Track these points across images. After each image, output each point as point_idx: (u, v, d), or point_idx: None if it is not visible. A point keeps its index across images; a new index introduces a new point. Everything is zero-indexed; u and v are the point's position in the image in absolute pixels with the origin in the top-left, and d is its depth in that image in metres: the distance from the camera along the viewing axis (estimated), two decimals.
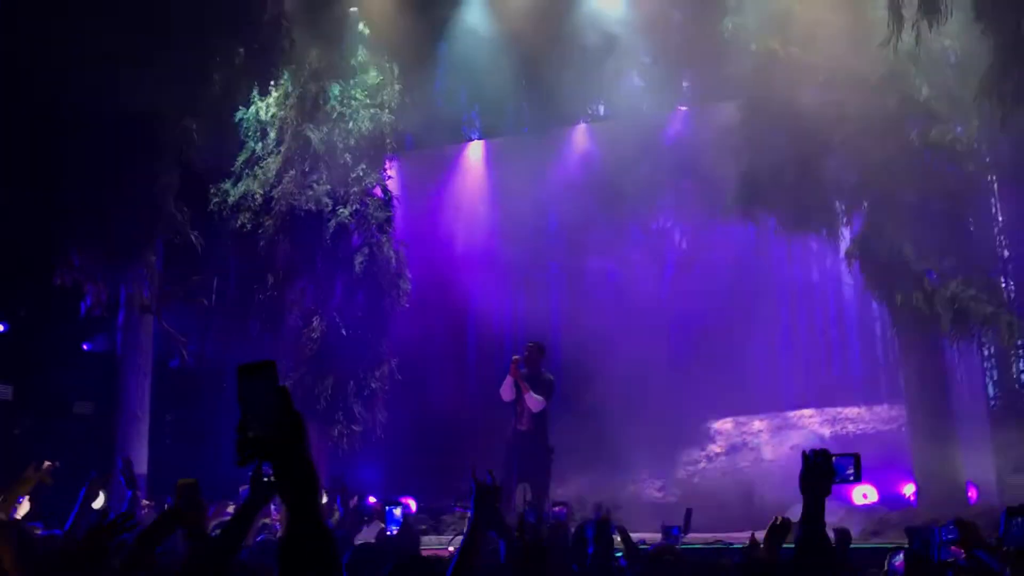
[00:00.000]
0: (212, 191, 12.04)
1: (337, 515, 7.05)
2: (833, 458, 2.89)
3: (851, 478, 3.01)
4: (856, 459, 3.01)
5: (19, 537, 3.95)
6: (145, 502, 7.84)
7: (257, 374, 1.62)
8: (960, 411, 10.58)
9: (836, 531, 5.85)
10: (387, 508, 6.62)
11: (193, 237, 12.02)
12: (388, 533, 6.38)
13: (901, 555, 5.14)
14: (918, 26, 9.00)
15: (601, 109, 14.84)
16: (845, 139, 10.23)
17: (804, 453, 2.89)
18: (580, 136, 14.96)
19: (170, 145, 11.59)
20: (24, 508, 6.00)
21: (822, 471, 2.88)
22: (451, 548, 5.38)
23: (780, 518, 4.09)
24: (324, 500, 7.40)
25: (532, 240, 15.42)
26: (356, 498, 7.91)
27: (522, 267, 15.62)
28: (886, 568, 5.27)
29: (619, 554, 5.28)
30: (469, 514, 3.27)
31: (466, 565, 3.04)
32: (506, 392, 8.77)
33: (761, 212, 10.86)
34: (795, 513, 5.59)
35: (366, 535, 7.10)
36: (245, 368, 1.63)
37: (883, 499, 10.67)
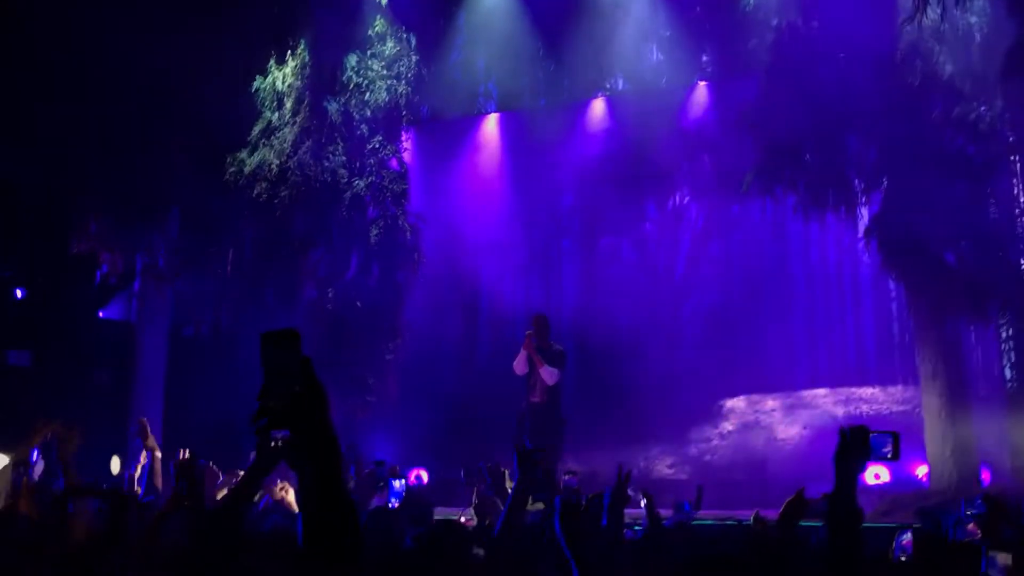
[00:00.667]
0: (228, 160, 12.02)
1: (351, 482, 7.08)
2: (871, 435, 2.77)
3: (888, 456, 2.83)
4: (895, 437, 2.86)
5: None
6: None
7: (281, 343, 1.60)
8: (975, 393, 10.52)
9: None
10: (389, 479, 6.54)
11: (208, 206, 12.05)
12: (389, 505, 6.33)
13: (908, 534, 5.13)
14: (943, 2, 8.85)
15: (619, 83, 14.70)
16: (866, 116, 10.11)
17: (841, 429, 2.77)
18: (597, 110, 14.84)
19: (187, 113, 11.58)
20: (39, 469, 6.04)
21: (858, 448, 2.77)
22: (463, 519, 5.41)
23: (799, 494, 4.05)
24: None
25: (547, 214, 15.38)
26: (373, 464, 7.94)
27: (536, 242, 15.59)
28: (893, 546, 5.26)
29: (637, 527, 5.29)
30: (513, 480, 3.32)
31: (511, 524, 3.08)
32: (520, 366, 8.78)
33: (779, 189, 10.76)
34: (808, 492, 5.58)
35: (379, 501, 7.14)
36: (269, 336, 1.60)
37: (895, 480, 10.64)
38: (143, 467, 6.69)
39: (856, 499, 2.74)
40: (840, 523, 2.69)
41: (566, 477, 7.79)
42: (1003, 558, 2.65)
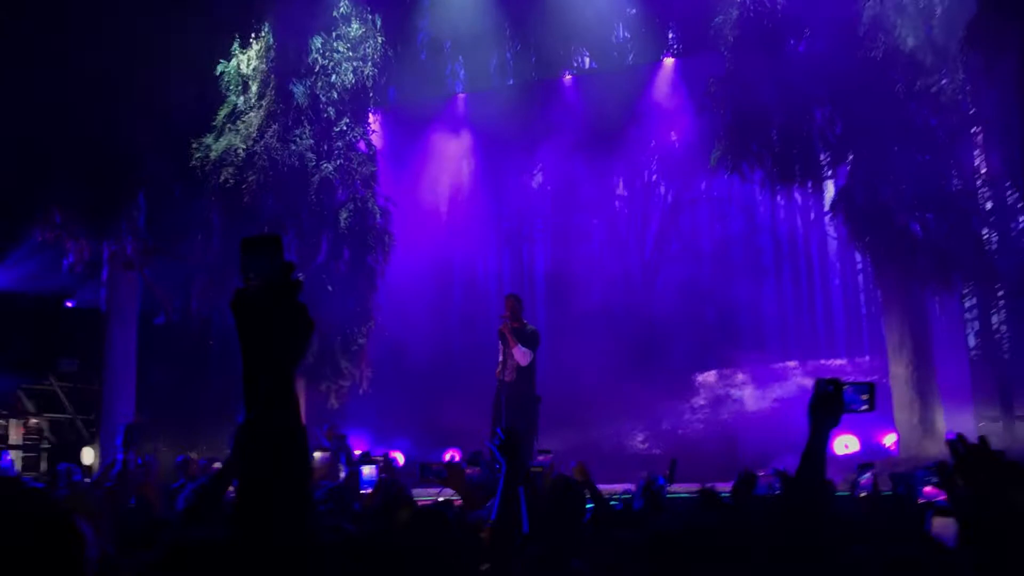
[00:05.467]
0: (194, 146, 11.89)
1: (342, 474, 7.01)
2: (846, 387, 2.76)
3: (864, 408, 2.80)
4: (871, 387, 2.85)
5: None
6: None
7: (262, 248, 1.49)
8: (941, 362, 10.71)
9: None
10: (358, 468, 6.27)
11: (175, 193, 11.92)
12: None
13: (869, 474, 5.30)
14: None
15: (586, 61, 14.70)
16: (831, 90, 10.20)
17: (816, 381, 2.77)
18: (565, 88, 14.84)
19: (151, 99, 11.42)
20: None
21: (833, 401, 2.75)
22: (440, 498, 5.42)
23: (747, 471, 4.41)
24: (326, 458, 7.39)
25: (517, 194, 15.39)
26: (362, 456, 7.89)
27: (507, 222, 15.60)
28: (854, 480, 5.43)
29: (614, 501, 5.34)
30: (501, 468, 3.26)
31: (507, 515, 3.02)
32: (521, 357, 8.57)
33: (747, 164, 10.85)
34: (778, 463, 5.68)
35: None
36: (249, 241, 1.49)
37: (865, 449, 10.82)
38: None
39: (825, 455, 2.74)
40: (808, 475, 2.68)
41: (540, 457, 7.81)
42: (941, 522, 2.68)
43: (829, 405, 2.73)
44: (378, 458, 7.45)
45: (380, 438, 13.02)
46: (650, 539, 1.97)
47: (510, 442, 3.33)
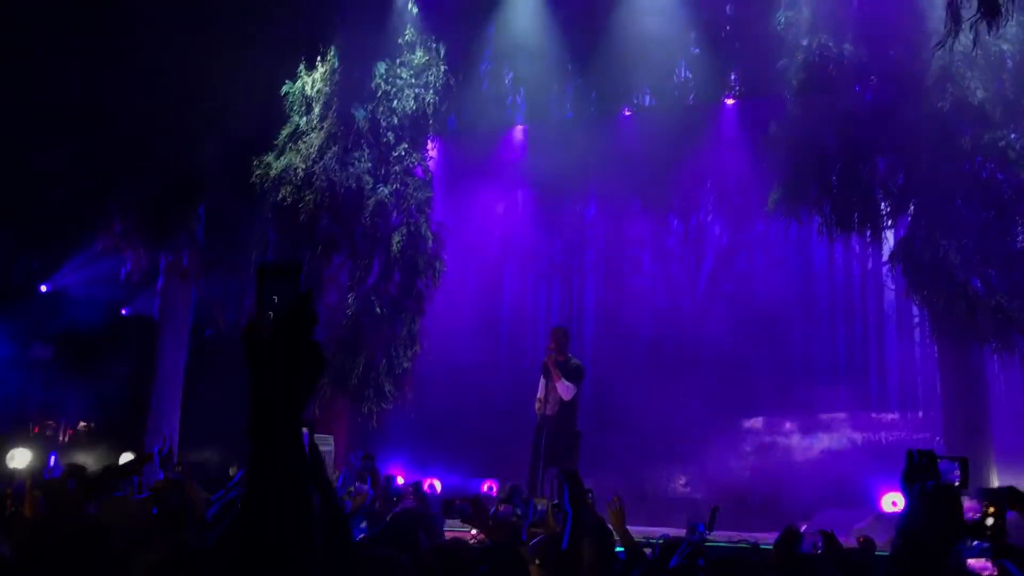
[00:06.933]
0: (255, 163, 12.10)
1: (367, 496, 7.02)
2: (939, 460, 2.72)
3: (956, 483, 2.78)
4: (964, 463, 2.81)
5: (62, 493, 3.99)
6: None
7: (282, 275, 1.47)
8: (997, 422, 10.40)
9: (860, 540, 5.80)
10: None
11: (234, 208, 12.13)
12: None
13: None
14: (976, 27, 8.76)
15: (646, 98, 14.68)
16: (894, 140, 10.05)
17: (909, 452, 2.74)
18: (624, 124, 14.82)
19: (216, 115, 11.67)
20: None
21: (926, 472, 2.72)
22: (473, 532, 5.37)
23: (791, 528, 4.33)
24: (362, 487, 7.38)
25: (570, 227, 15.37)
26: (386, 479, 7.89)
27: (558, 254, 15.57)
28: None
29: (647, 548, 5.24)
30: (567, 519, 3.19)
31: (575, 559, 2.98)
32: (565, 392, 8.57)
33: (805, 210, 10.70)
34: (822, 519, 5.53)
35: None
36: (268, 266, 1.47)
37: None
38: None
39: (925, 522, 2.69)
40: (909, 546, 2.64)
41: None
42: None
43: (925, 476, 2.68)
44: (407, 487, 7.41)
45: (421, 463, 13.01)
46: None
47: (576, 491, 3.25)
